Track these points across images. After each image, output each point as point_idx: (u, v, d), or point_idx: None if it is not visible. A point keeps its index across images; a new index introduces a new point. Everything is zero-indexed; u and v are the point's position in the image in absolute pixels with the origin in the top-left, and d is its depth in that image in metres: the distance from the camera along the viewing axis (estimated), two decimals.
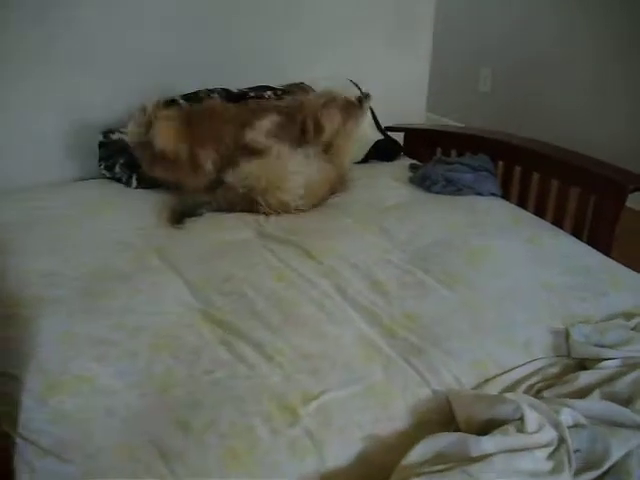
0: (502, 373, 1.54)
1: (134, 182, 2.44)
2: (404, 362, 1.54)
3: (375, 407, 1.42)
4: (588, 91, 3.98)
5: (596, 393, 1.43)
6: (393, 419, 1.41)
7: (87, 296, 1.76)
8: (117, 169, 2.46)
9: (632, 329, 1.66)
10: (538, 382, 1.53)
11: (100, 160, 2.50)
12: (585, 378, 1.49)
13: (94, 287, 1.81)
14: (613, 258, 2.03)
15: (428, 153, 2.74)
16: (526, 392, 1.49)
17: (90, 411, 1.40)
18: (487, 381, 1.52)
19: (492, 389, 1.49)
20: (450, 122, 4.98)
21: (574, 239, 2.12)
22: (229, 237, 2.10)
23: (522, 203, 2.40)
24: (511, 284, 1.83)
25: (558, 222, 2.26)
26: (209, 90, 2.59)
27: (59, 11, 2.37)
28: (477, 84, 4.76)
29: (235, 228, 2.17)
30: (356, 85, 2.85)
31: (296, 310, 1.72)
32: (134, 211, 2.26)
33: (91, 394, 1.45)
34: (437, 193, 2.36)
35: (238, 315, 1.70)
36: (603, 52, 3.84)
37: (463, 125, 4.76)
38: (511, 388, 1.50)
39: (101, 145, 2.49)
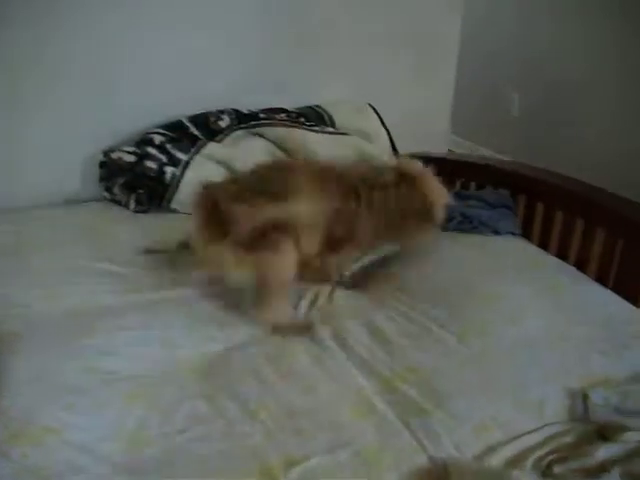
0: (510, 440, 1.38)
1: (132, 204, 2.33)
2: (400, 423, 1.40)
3: (363, 476, 1.27)
4: (619, 121, 3.81)
5: (615, 471, 1.27)
6: None
7: (65, 333, 1.64)
8: (116, 190, 2.36)
9: None
10: (549, 453, 1.36)
11: (101, 180, 2.40)
12: (603, 452, 1.33)
13: (74, 323, 1.68)
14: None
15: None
16: (535, 465, 1.33)
17: (54, 467, 1.27)
18: (492, 449, 1.36)
19: (497, 459, 1.34)
20: (476, 146, 4.85)
21: (598, 286, 1.95)
22: None
23: (544, 243, 2.23)
24: (526, 335, 1.67)
25: (582, 266, 2.09)
26: (219, 111, 2.48)
27: (66, 26, 2.28)
28: (505, 108, 4.62)
29: None
30: (374, 110, 2.74)
31: (290, 360, 1.59)
32: (130, 238, 2.12)
33: (57, 447, 1.32)
34: (452, 230, 2.20)
35: (227, 364, 1.57)
36: (635, 78, 3.68)
37: (489, 149, 4.65)
38: (518, 458, 1.34)
39: (102, 165, 2.39)
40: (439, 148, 3.09)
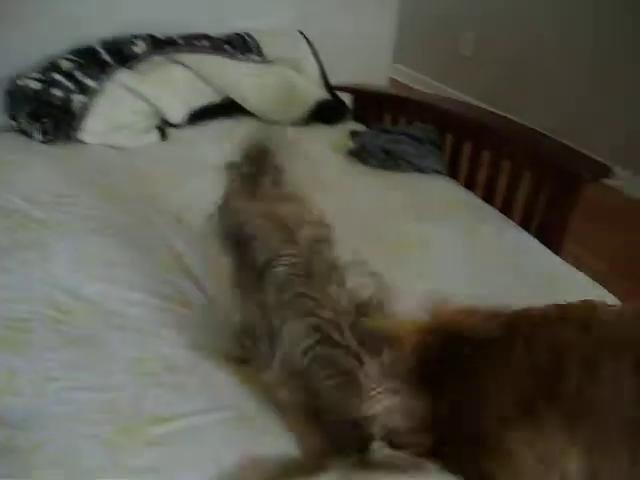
0: None
1: (37, 134, 2.17)
2: None
3: (237, 438, 1.17)
4: (578, 67, 3.67)
5: None
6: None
7: None
8: (22, 119, 2.19)
9: None
10: None
11: (6, 109, 2.23)
12: None
13: None
14: (563, 255, 1.79)
15: (378, 118, 2.46)
16: None
17: None
18: None
19: None
20: (424, 77, 4.74)
21: (521, 232, 1.86)
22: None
23: (470, 184, 2.12)
24: (437, 289, 1.54)
25: (507, 209, 1.99)
26: (133, 36, 2.31)
27: None
28: (459, 47, 4.48)
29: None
30: (306, 39, 2.60)
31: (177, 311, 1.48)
32: (30, 171, 1.98)
33: None
34: (374, 167, 2.08)
35: (109, 307, 1.46)
36: (599, 24, 3.53)
37: (435, 80, 4.53)
38: None
39: (8, 93, 2.22)
40: (379, 80, 2.96)
